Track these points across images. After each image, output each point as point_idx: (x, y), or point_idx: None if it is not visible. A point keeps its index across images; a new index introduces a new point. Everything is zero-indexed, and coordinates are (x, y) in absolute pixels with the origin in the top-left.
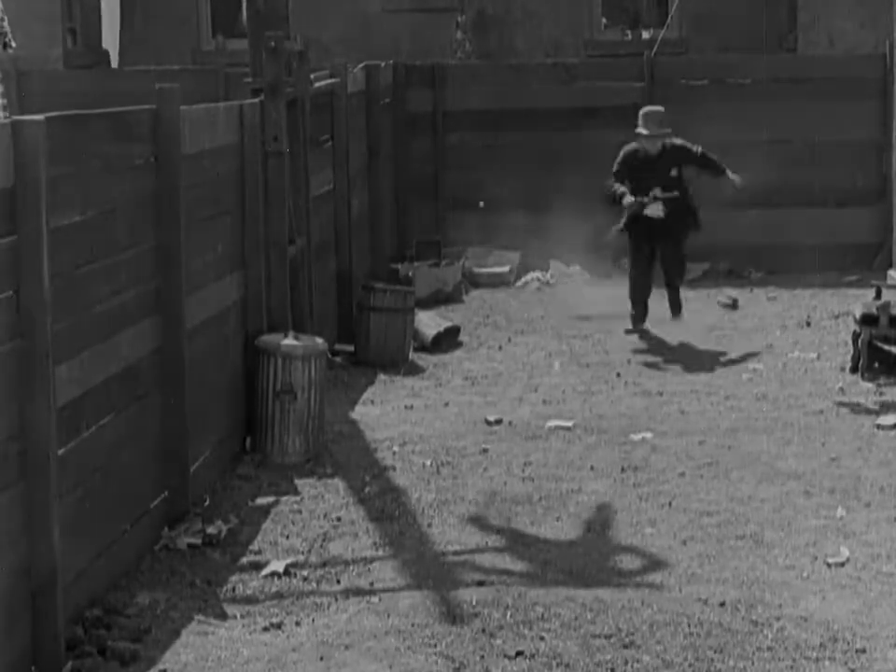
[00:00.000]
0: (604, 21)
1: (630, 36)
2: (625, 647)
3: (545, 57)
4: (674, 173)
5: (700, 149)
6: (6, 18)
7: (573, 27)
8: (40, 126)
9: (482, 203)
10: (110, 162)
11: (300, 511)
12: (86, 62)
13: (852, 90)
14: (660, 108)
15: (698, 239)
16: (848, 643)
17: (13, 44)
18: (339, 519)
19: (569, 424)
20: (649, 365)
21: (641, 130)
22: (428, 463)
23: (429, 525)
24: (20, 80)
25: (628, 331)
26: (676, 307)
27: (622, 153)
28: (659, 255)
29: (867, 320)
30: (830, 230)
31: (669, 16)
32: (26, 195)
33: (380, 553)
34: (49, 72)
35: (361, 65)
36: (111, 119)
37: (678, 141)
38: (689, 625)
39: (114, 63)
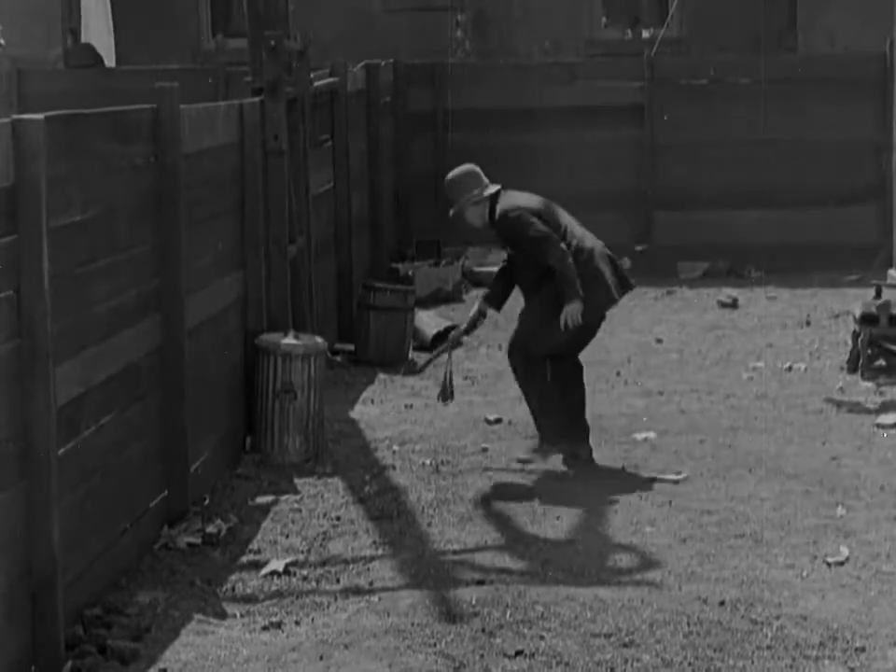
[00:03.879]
0: (604, 20)
1: (630, 36)
2: (625, 646)
3: (545, 56)
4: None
5: (532, 231)
6: None
7: (573, 26)
8: (40, 125)
9: None
10: (110, 162)
11: (299, 511)
12: (85, 61)
13: (852, 89)
14: (459, 171)
15: (699, 238)
16: (848, 642)
17: (2, 41)
18: (338, 518)
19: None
20: (649, 364)
21: None
22: (428, 462)
23: (429, 524)
24: (20, 80)
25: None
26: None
27: None
28: None
29: (867, 319)
30: (830, 229)
31: (669, 15)
32: (26, 194)
33: (379, 552)
34: (49, 71)
35: (361, 65)
36: (111, 118)
37: (500, 207)
38: (688, 624)
39: (113, 63)
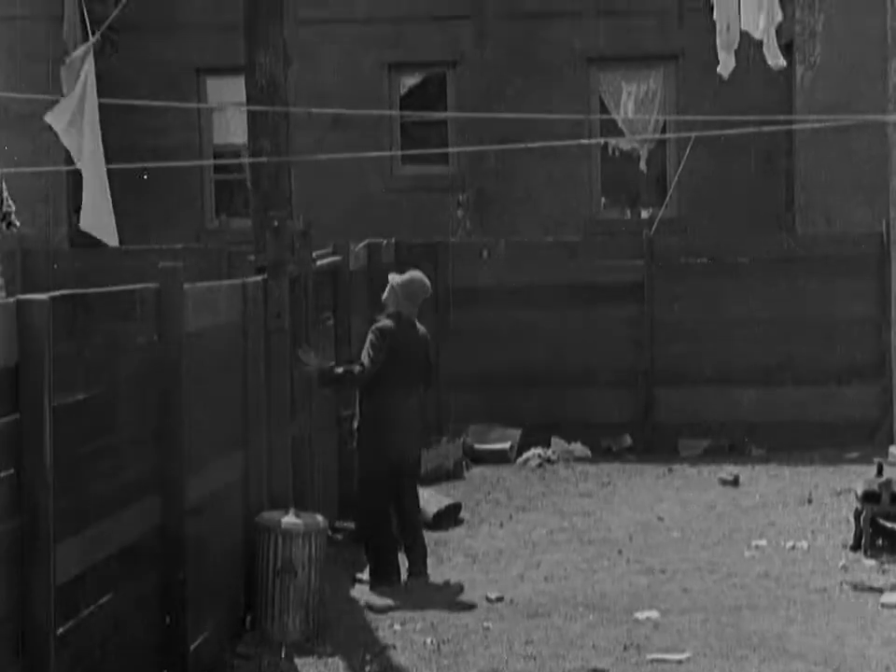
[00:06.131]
0: (603, 200)
1: (629, 215)
2: None
3: (546, 235)
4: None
5: (369, 347)
6: (9, 197)
7: (573, 206)
8: (45, 305)
9: None
10: (114, 341)
11: None
12: (90, 241)
13: (850, 267)
14: (418, 281)
15: (699, 415)
16: None
17: (17, 223)
18: None
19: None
20: (650, 542)
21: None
22: (429, 641)
23: None
24: (24, 259)
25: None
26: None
27: None
28: None
29: (869, 497)
30: (830, 406)
31: (668, 195)
32: (30, 374)
33: None
34: (54, 251)
35: (363, 244)
36: (115, 297)
37: (384, 319)
38: None
39: (116, 242)
